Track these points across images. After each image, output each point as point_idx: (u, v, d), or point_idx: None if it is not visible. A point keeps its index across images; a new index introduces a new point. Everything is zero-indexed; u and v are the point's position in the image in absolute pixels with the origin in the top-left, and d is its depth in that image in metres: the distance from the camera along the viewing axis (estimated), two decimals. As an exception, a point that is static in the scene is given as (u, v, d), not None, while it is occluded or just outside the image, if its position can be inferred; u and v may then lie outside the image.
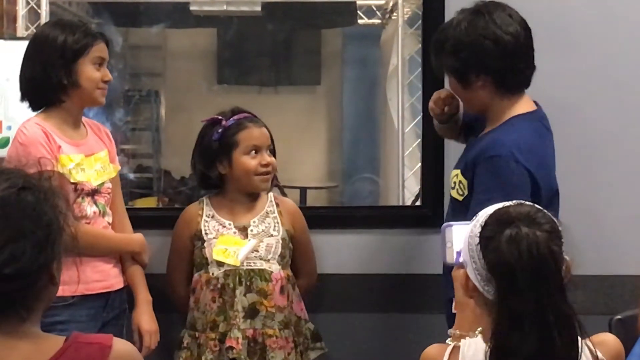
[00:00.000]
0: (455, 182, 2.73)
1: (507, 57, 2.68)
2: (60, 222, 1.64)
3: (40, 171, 1.69)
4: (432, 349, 1.97)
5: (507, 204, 1.89)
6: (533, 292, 1.79)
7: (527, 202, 1.91)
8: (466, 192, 2.67)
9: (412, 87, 5.19)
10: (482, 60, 2.67)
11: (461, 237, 2.00)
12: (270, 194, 3.14)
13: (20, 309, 1.62)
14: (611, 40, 3.29)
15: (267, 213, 3.09)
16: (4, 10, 4.60)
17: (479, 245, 1.85)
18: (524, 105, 2.75)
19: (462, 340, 1.93)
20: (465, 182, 2.68)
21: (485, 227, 1.86)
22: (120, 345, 1.67)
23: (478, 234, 1.86)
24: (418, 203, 3.98)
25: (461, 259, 1.92)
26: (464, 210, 2.59)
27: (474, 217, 1.92)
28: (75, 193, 2.83)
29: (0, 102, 3.63)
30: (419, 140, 3.89)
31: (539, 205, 1.97)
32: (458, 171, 2.73)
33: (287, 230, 3.09)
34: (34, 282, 1.61)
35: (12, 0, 4.67)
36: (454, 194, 2.73)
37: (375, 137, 7.05)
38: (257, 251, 3.02)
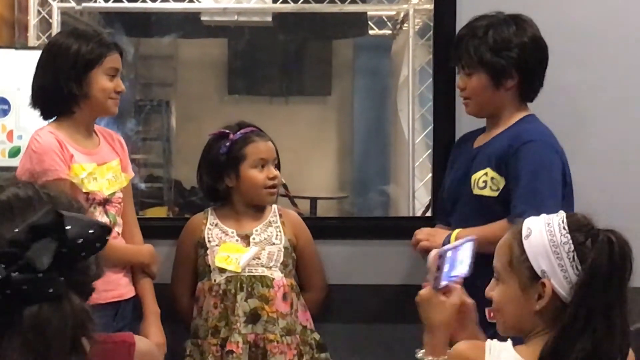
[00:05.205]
0: (485, 181, 2.82)
1: (542, 63, 2.87)
2: None
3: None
4: (465, 346, 1.95)
5: (565, 214, 1.93)
6: (616, 293, 1.86)
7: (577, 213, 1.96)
8: (501, 186, 2.79)
9: (422, 98, 5.20)
10: (526, 61, 2.83)
11: (456, 259, 2.01)
12: (275, 205, 3.15)
13: None
14: (619, 49, 3.28)
15: (269, 223, 3.12)
16: (15, 20, 4.62)
17: (573, 252, 1.87)
18: (528, 111, 2.93)
19: (489, 341, 1.93)
20: (498, 176, 2.79)
21: (572, 233, 1.89)
22: (141, 343, 1.69)
23: (570, 241, 1.87)
24: (428, 214, 3.98)
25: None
26: (498, 206, 2.76)
27: (523, 221, 1.93)
28: (87, 203, 2.82)
29: (12, 111, 3.64)
30: (430, 151, 3.89)
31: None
32: (487, 169, 2.82)
33: (290, 240, 3.11)
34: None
35: (24, 10, 4.70)
36: (485, 192, 2.82)
37: (385, 148, 7.05)
38: (259, 259, 3.04)
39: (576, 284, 1.85)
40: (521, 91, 2.87)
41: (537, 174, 2.74)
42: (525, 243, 1.91)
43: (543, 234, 1.91)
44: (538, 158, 2.76)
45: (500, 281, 1.96)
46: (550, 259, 1.89)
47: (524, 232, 1.92)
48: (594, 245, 1.86)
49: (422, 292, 2.05)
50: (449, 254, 2.05)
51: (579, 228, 1.91)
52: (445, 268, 2.05)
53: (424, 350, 2.07)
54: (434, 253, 2.05)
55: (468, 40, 2.86)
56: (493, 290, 1.98)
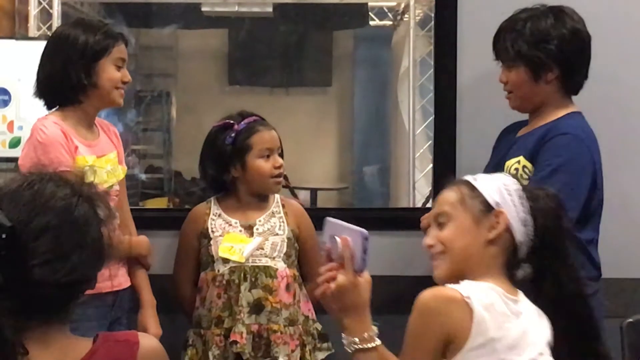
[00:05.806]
0: (517, 169, 2.81)
1: (583, 55, 2.83)
2: (105, 230, 1.65)
3: (80, 177, 1.69)
4: (435, 291, 1.99)
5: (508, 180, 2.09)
6: (568, 239, 2.05)
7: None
8: (532, 175, 2.78)
9: (423, 89, 5.18)
10: (564, 53, 2.79)
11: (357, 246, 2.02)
12: (277, 196, 3.15)
13: (66, 314, 1.62)
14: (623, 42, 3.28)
15: (273, 213, 3.12)
16: (15, 11, 4.61)
17: (522, 192, 2.04)
18: (574, 107, 2.88)
19: (454, 285, 1.96)
20: (530, 165, 2.78)
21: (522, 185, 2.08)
22: (146, 341, 1.68)
23: (517, 184, 2.06)
24: (429, 205, 3.98)
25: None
26: None
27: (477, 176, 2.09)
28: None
29: (12, 102, 3.64)
30: (430, 142, 3.89)
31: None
32: (520, 157, 2.81)
33: (292, 230, 3.11)
34: (85, 289, 1.62)
35: (24, 1, 4.68)
36: None
37: (386, 139, 7.05)
38: (263, 249, 3.04)
39: (523, 222, 1.99)
40: (563, 84, 2.84)
41: (560, 167, 2.71)
42: (476, 183, 2.05)
43: (491, 178, 2.07)
44: (564, 151, 2.74)
45: (450, 220, 2.04)
46: (502, 193, 2.02)
47: (471, 179, 2.07)
48: (536, 195, 2.03)
49: (341, 279, 2.02)
50: (366, 241, 2.05)
51: (520, 181, 2.09)
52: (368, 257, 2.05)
53: (344, 335, 2.05)
54: (341, 241, 2.04)
55: (506, 33, 2.84)
56: (434, 239, 2.00)
